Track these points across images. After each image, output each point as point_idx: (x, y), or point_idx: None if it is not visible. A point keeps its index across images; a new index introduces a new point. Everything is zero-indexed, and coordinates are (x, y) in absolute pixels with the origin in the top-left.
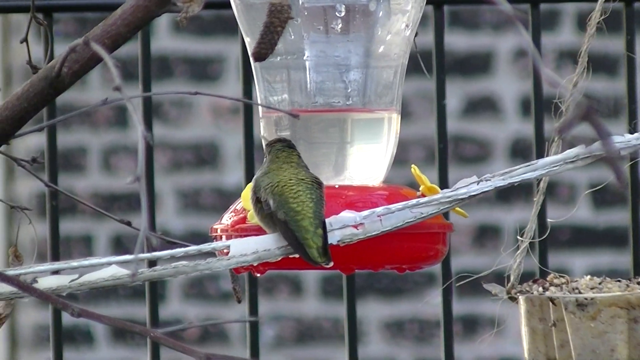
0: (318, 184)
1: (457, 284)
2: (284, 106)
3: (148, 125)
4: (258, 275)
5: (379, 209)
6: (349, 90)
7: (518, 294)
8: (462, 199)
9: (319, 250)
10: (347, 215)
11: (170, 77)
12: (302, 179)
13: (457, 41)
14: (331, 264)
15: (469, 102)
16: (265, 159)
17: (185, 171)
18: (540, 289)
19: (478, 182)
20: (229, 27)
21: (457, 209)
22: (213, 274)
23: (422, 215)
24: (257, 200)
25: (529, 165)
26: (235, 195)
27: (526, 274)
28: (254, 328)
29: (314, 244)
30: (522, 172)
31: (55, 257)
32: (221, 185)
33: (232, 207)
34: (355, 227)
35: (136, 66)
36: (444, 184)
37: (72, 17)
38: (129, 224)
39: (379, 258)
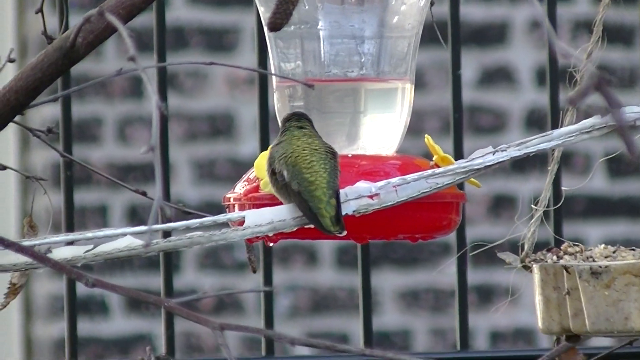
0: (332, 153)
1: (472, 254)
2: (298, 76)
3: (163, 95)
4: (271, 244)
5: (395, 180)
6: (363, 60)
7: (532, 263)
8: (477, 169)
9: (332, 219)
10: (363, 185)
11: (185, 47)
12: (316, 149)
13: (473, 12)
14: (344, 233)
15: (485, 73)
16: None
17: (201, 141)
18: (555, 257)
19: (494, 153)
20: None
21: (471, 179)
22: (228, 244)
23: (438, 186)
24: (273, 172)
25: (544, 136)
26: (250, 165)
27: (540, 243)
28: (269, 298)
29: (327, 213)
30: (537, 143)
31: (70, 228)
32: (236, 156)
33: (245, 176)
34: (371, 197)
35: (151, 36)
36: (459, 154)
37: None
38: (144, 194)
39: (392, 228)
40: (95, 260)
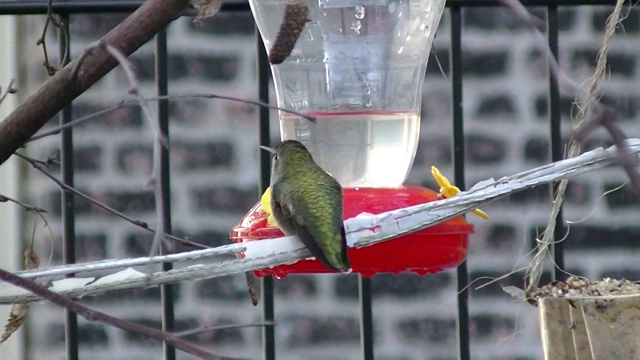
0: (337, 188)
1: (476, 288)
2: (304, 108)
3: (164, 128)
4: (278, 278)
5: (396, 212)
6: (369, 92)
7: (537, 297)
8: (479, 201)
9: (338, 256)
10: (364, 217)
11: (185, 76)
12: (322, 185)
13: (472, 40)
14: (349, 270)
15: (484, 102)
16: (275, 160)
17: (200, 170)
18: (560, 291)
19: (495, 185)
20: (244, 26)
21: (477, 209)
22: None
23: (439, 218)
24: (277, 205)
25: (546, 168)
26: (250, 195)
27: (542, 275)
28: (270, 331)
29: (333, 249)
30: (539, 175)
31: (71, 260)
32: (236, 185)
33: (252, 210)
34: (372, 229)
35: (151, 65)
36: (460, 186)
37: (88, 15)
38: (144, 225)
39: (401, 260)
40: (96, 292)
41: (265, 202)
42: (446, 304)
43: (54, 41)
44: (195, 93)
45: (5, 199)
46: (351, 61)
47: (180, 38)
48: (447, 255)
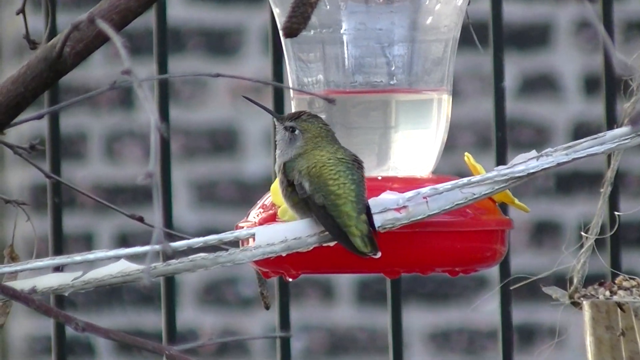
0: (358, 162)
1: (513, 287)
2: (319, 86)
3: (163, 112)
4: (289, 280)
5: (425, 190)
6: (393, 68)
7: (582, 299)
8: (519, 177)
9: (365, 238)
10: (389, 197)
11: (182, 50)
12: (341, 158)
13: (511, 11)
14: (379, 254)
15: (525, 80)
16: (290, 134)
17: (200, 159)
18: (607, 292)
19: (538, 158)
20: None
21: (517, 202)
22: (231, 277)
23: (474, 196)
24: (289, 184)
25: (595, 138)
26: (257, 186)
27: (591, 276)
28: (286, 344)
29: (358, 231)
30: (587, 146)
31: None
32: (241, 176)
33: (259, 203)
34: (398, 210)
35: (144, 38)
36: None
37: None
38: (140, 219)
39: (429, 259)
40: (85, 287)
41: (275, 193)
42: (476, 306)
43: (35, 13)
44: (198, 72)
45: None
46: (373, 32)
47: (177, 8)
48: (483, 254)
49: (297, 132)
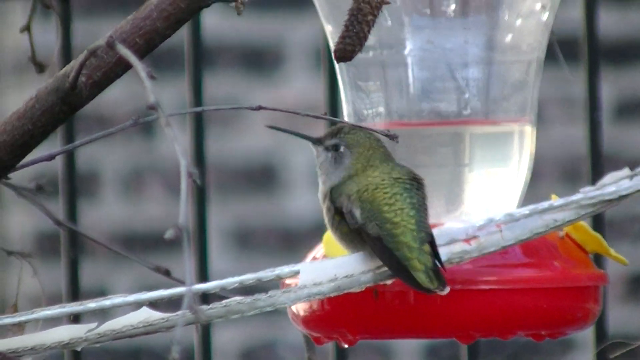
0: (417, 181)
1: (611, 357)
2: (379, 118)
3: (197, 152)
4: (345, 346)
5: (499, 216)
6: (466, 95)
7: None
8: (609, 200)
9: (429, 272)
10: (455, 226)
11: (214, 68)
12: (398, 178)
13: (607, 22)
14: (447, 290)
15: (622, 103)
16: (333, 153)
17: (235, 198)
18: None
19: (631, 177)
20: (290, 3)
21: (613, 253)
22: (272, 339)
23: (557, 224)
24: (336, 212)
25: None
26: (303, 232)
27: None
28: None
29: (421, 264)
30: None
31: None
32: (284, 218)
33: (310, 255)
34: (467, 241)
35: (172, 53)
36: (599, 225)
37: None
38: (167, 273)
39: (509, 321)
40: (100, 341)
41: (328, 244)
42: None
43: (42, 22)
44: (233, 95)
45: None
46: (442, 53)
47: (210, 20)
48: (573, 315)
49: (342, 149)
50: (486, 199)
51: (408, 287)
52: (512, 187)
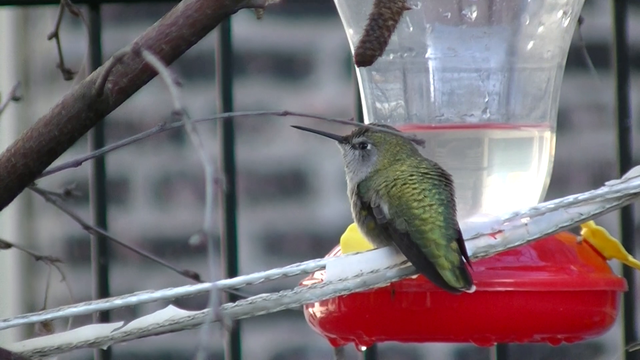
0: (446, 177)
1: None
2: (399, 121)
3: (227, 158)
4: (363, 348)
5: (524, 210)
6: (487, 100)
7: None
8: (634, 193)
9: (456, 271)
10: (480, 220)
11: (244, 74)
12: (426, 173)
13: (635, 29)
14: (473, 288)
15: None
16: (359, 151)
17: (265, 204)
18: None
19: None
20: (320, 9)
21: (631, 259)
22: (302, 345)
23: (582, 217)
24: (363, 207)
25: None
26: (333, 237)
27: None
28: None
29: (449, 262)
30: None
31: (104, 320)
32: (314, 224)
33: (327, 257)
34: (492, 235)
35: (200, 58)
36: (627, 232)
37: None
38: (196, 277)
39: (526, 324)
40: (126, 339)
41: (345, 245)
42: None
43: (71, 29)
44: (262, 100)
45: (8, 246)
46: (464, 58)
47: (239, 26)
48: (590, 319)
49: (369, 146)
50: (505, 202)
51: (430, 285)
52: (531, 192)
